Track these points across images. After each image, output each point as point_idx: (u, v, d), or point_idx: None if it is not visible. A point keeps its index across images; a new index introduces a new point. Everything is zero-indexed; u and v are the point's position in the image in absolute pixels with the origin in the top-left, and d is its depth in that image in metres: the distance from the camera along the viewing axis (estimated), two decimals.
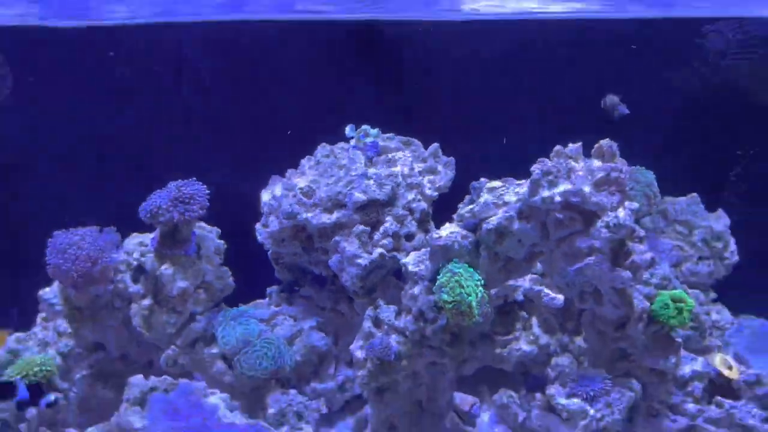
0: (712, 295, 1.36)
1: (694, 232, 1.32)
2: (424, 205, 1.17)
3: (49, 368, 1.15)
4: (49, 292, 1.26)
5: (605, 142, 1.04)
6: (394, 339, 1.09)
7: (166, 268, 1.11)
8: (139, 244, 1.14)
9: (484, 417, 1.28)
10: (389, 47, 1.57)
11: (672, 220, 1.34)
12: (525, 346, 1.19)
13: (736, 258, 1.32)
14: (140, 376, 1.19)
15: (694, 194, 1.36)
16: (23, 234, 1.33)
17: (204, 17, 1.63)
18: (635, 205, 1.01)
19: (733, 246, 1.31)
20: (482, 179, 1.19)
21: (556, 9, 1.75)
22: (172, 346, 1.17)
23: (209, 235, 1.18)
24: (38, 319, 1.35)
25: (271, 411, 1.25)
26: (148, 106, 1.53)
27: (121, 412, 1.12)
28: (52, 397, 1.05)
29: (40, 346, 1.25)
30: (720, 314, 1.34)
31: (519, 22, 1.72)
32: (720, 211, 1.34)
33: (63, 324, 1.25)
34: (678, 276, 1.38)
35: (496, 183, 1.07)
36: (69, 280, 1.10)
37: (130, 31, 1.63)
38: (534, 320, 1.23)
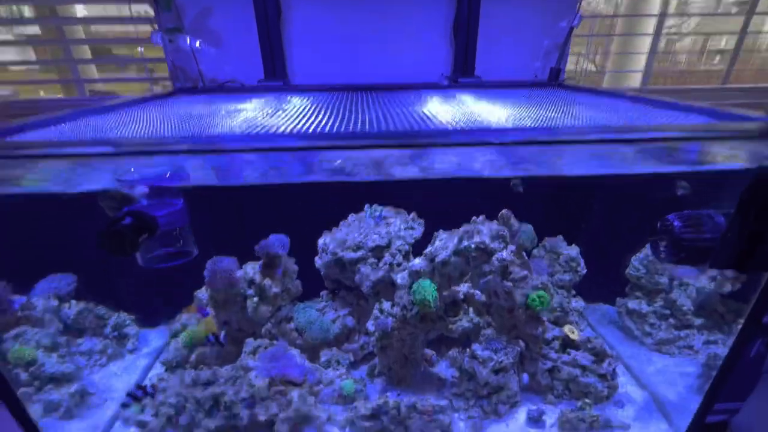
0: (573, 292, 1.60)
1: (560, 257, 1.58)
2: (406, 246, 1.39)
3: (201, 335, 1.44)
4: (203, 292, 1.56)
5: (505, 211, 1.30)
6: (390, 320, 1.30)
7: (266, 281, 1.37)
8: (252, 267, 1.41)
9: (442, 364, 1.47)
10: None
11: (548, 250, 1.59)
12: (465, 323, 1.41)
13: (584, 270, 1.57)
14: (251, 339, 1.38)
15: (560, 236, 1.61)
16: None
17: None
18: (513, 247, 1.23)
19: (582, 264, 1.57)
20: (440, 230, 1.37)
21: None
22: (269, 323, 1.40)
23: (289, 263, 1.44)
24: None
25: (322, 360, 1.41)
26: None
27: (242, 358, 1.31)
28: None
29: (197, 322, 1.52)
30: (578, 302, 1.60)
31: None
32: (574, 245, 1.59)
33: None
34: (552, 282, 1.59)
35: (445, 234, 1.30)
36: (215, 287, 1.36)
37: None
38: (471, 309, 1.43)
